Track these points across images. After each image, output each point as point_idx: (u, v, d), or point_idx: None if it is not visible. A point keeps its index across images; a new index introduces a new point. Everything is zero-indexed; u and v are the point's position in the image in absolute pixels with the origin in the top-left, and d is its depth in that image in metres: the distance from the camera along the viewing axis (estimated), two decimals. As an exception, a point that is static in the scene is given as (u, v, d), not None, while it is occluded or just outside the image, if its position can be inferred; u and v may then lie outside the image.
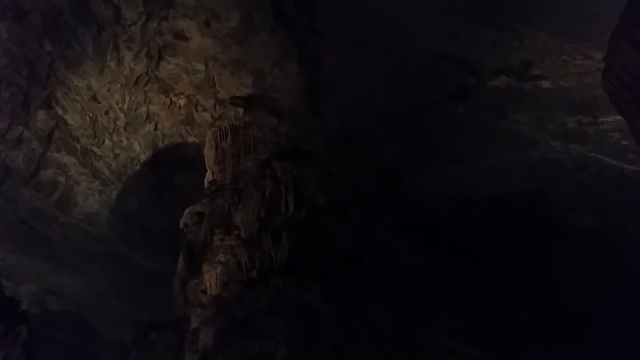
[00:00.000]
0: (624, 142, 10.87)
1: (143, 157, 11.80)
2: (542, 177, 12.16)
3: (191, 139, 11.26)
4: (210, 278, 8.50)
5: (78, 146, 11.60)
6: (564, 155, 11.67)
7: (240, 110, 9.63)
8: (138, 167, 12.01)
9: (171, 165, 11.73)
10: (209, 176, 9.76)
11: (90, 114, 11.19)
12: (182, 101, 10.74)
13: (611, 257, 11.31)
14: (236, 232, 8.76)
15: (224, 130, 9.60)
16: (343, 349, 8.07)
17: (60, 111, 11.11)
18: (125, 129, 11.38)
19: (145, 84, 10.68)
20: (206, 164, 9.83)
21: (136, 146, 11.63)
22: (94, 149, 11.71)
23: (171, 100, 10.76)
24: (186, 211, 9.41)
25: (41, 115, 10.91)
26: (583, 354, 11.44)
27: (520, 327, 12.22)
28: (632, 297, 10.01)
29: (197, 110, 10.69)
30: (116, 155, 11.86)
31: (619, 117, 9.86)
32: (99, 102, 10.94)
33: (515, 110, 11.17)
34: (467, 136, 11.56)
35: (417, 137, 11.75)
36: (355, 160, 11.66)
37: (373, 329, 8.66)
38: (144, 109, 11.03)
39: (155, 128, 11.26)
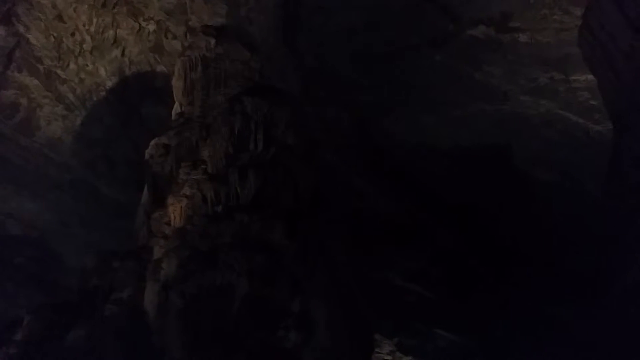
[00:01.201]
0: (592, 102, 11.09)
1: (109, 84, 11.47)
2: (509, 131, 12.38)
3: (160, 68, 10.95)
4: (175, 211, 8.48)
5: (41, 68, 11.20)
6: (532, 111, 11.86)
7: (212, 41, 9.31)
8: (104, 93, 11.69)
9: (138, 94, 11.47)
10: (176, 108, 9.53)
11: (55, 34, 10.75)
12: (151, 27, 10.38)
13: (568, 212, 11.74)
14: (203, 166, 8.67)
15: (194, 61, 9.30)
16: (303, 285, 8.27)
17: (22, 29, 10.65)
18: (91, 52, 10.99)
19: (114, 7, 10.25)
20: (174, 95, 9.57)
21: (102, 72, 11.28)
22: (58, 71, 11.33)
23: (140, 25, 10.38)
24: (152, 142, 9.24)
25: (0, 31, 10.39)
26: (538, 300, 12.05)
27: (475, 274, 12.75)
28: (585, 249, 10.45)
29: (166, 37, 10.36)
30: (81, 80, 11.49)
31: (590, 77, 10.05)
32: (64, 22, 10.49)
33: (490, 62, 11.20)
34: (440, 85, 11.58)
35: (391, 82, 11.71)
36: (328, 101, 11.59)
37: (333, 267, 8.87)
38: (111, 32, 10.62)
39: (123, 54, 10.90)
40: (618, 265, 7.81)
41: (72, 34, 10.70)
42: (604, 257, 8.65)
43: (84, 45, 10.89)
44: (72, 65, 11.20)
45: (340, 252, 9.91)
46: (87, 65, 11.19)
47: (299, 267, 8.43)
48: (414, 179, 12.94)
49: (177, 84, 9.47)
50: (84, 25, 10.56)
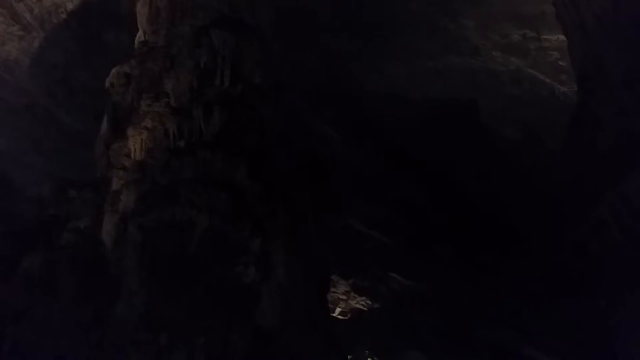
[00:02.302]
0: (560, 63, 11.20)
1: (70, 6, 10.85)
2: (478, 86, 12.45)
3: (125, -7, 10.39)
4: (135, 143, 8.27)
5: (-6, -17, 10.48)
6: (502, 67, 11.91)
7: (181, -33, 8.85)
8: (64, 16, 11.08)
9: (100, 20, 10.92)
10: (140, 36, 9.11)
11: (10, -53, 10.01)
12: (116, -53, 9.79)
13: (528, 169, 12.08)
14: (166, 99, 8.41)
15: (160, -13, 8.85)
16: (264, 225, 8.33)
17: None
18: (50, -30, 10.33)
19: None
20: (138, 22, 9.12)
21: (62, -8, 10.64)
22: (13, -12, 10.62)
23: (104, -57, 9.75)
24: (113, 70, 8.86)
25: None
26: (492, 252, 12.54)
27: (434, 223, 13.10)
28: (541, 205, 10.82)
29: (133, -41, 9.76)
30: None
31: (561, 37, 10.09)
32: None
33: (465, 14, 11.08)
34: (414, 34, 11.44)
35: (364, 27, 11.49)
36: (299, 42, 11.32)
37: (294, 210, 8.95)
38: (73, -51, 9.96)
39: (85, -26, 10.28)
40: (569, 221, 8.15)
41: (30, -52, 10.03)
42: (556, 213, 8.99)
43: (43, -39, 10.26)
44: (28, -18, 10.56)
45: (303, 196, 10.00)
46: (46, -16, 10.57)
47: (261, 208, 8.46)
48: (381, 129, 12.98)
49: (141, 11, 9.02)
50: (42, -62, 9.90)
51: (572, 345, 10.09)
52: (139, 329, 7.42)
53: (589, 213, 7.14)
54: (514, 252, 12.00)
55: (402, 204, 12.97)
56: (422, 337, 11.45)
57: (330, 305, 12.00)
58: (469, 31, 11.41)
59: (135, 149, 8.32)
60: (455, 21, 11.23)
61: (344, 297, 12.13)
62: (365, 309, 12.16)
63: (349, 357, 10.86)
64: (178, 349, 7.35)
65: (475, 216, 12.85)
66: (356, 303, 12.21)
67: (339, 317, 12.17)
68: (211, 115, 8.29)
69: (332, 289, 11.93)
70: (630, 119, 6.73)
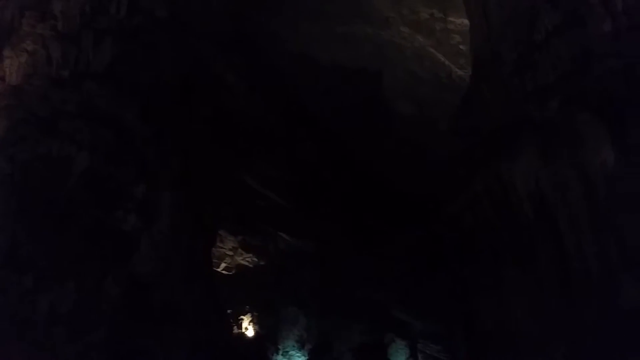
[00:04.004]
0: (461, 47, 11.66)
1: None
2: (384, 58, 12.69)
3: None
4: (12, 65, 7.48)
5: None
6: (407, 43, 12.20)
7: None
8: None
9: None
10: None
11: None
12: None
13: (419, 144, 12.62)
14: (52, 21, 7.65)
15: None
16: (151, 167, 7.97)
17: None
18: None
19: None
20: None
21: None
22: None
23: None
24: (-8, -19, 7.88)
25: None
26: (377, 217, 13.02)
27: (327, 188, 13.36)
28: (426, 179, 11.37)
29: None
30: None
31: (466, 21, 10.49)
32: None
33: (380, -16, 11.16)
34: (333, -1, 11.36)
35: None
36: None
37: (186, 158, 8.63)
38: None
39: None
40: (448, 195, 8.66)
41: None
42: (438, 187, 9.51)
43: None
44: None
45: (200, 146, 9.66)
46: None
47: (150, 152, 8.07)
48: (288, 87, 12.86)
49: None
50: None
51: (438, 309, 10.91)
52: (2, 267, 6.86)
53: (466, 188, 7.60)
54: (399, 220, 12.60)
55: (297, 164, 13.03)
56: (302, 294, 11.77)
57: (216, 260, 11.91)
58: (381, 2, 11.54)
59: (11, 73, 7.51)
60: (370, -10, 11.29)
61: (230, 252, 12.07)
62: (250, 265, 12.20)
63: (228, 311, 10.91)
64: (44, 292, 6.89)
65: (366, 183, 13.28)
66: (242, 259, 12.20)
67: (224, 272, 12.12)
68: (102, 45, 7.66)
69: (219, 244, 11.81)
70: (515, 105, 7.17)
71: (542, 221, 6.21)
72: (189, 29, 9.04)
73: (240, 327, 11.69)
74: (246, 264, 12.36)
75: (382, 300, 12.21)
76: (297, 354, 11.72)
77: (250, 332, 11.78)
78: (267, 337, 11.73)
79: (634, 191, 5.41)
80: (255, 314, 11.74)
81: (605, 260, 5.56)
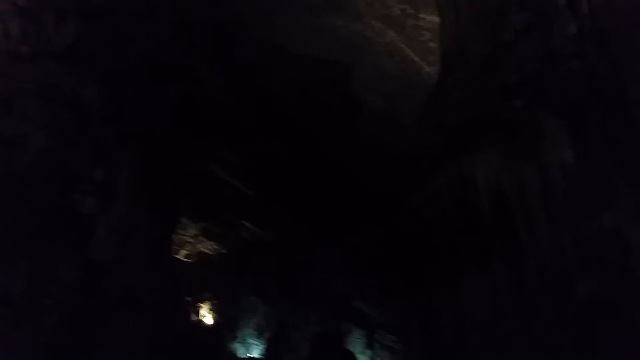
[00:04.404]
0: (431, 44, 11.72)
1: None
2: (354, 51, 12.68)
3: None
4: (-34, 38, 7.11)
5: None
6: (379, 38, 12.21)
7: None
8: None
9: None
10: None
11: None
12: None
13: (385, 138, 12.71)
14: (11, -6, 7.30)
15: None
16: (110, 154, 7.76)
17: None
18: None
19: None
20: None
21: None
22: None
23: None
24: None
25: None
26: (341, 211, 13.07)
27: (291, 177, 13.33)
28: (391, 173, 11.45)
29: None
30: None
31: (436, 18, 10.58)
32: None
33: (355, -24, 11.10)
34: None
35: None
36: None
37: (147, 142, 8.43)
38: None
39: None
40: (409, 189, 8.75)
41: None
42: (401, 181, 9.61)
43: None
44: None
45: (163, 132, 9.45)
46: None
47: (108, 134, 7.84)
48: (257, 77, 12.72)
49: None
50: None
51: (396, 300, 11.08)
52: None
53: (427, 183, 7.70)
54: (363, 213, 12.69)
55: (264, 155, 12.95)
56: (262, 283, 11.75)
57: (176, 247, 11.74)
58: (354, -6, 11.50)
59: (-36, 45, 7.14)
60: (343, -18, 11.22)
61: (191, 240, 11.92)
62: (212, 253, 12.08)
63: (188, 298, 10.79)
64: (-5, 274, 6.64)
65: (330, 176, 13.31)
66: (203, 247, 12.07)
67: (184, 259, 11.96)
68: (64, 23, 7.37)
69: (180, 231, 11.64)
70: (480, 102, 7.28)
71: (500, 218, 6.34)
72: (160, 15, 8.80)
73: (198, 314, 11.59)
74: (207, 251, 12.24)
75: (342, 290, 12.31)
76: (255, 343, 11.70)
77: (208, 319, 11.69)
78: (226, 325, 11.68)
79: (591, 191, 5.58)
80: (214, 302, 11.65)
81: (560, 257, 5.72)
